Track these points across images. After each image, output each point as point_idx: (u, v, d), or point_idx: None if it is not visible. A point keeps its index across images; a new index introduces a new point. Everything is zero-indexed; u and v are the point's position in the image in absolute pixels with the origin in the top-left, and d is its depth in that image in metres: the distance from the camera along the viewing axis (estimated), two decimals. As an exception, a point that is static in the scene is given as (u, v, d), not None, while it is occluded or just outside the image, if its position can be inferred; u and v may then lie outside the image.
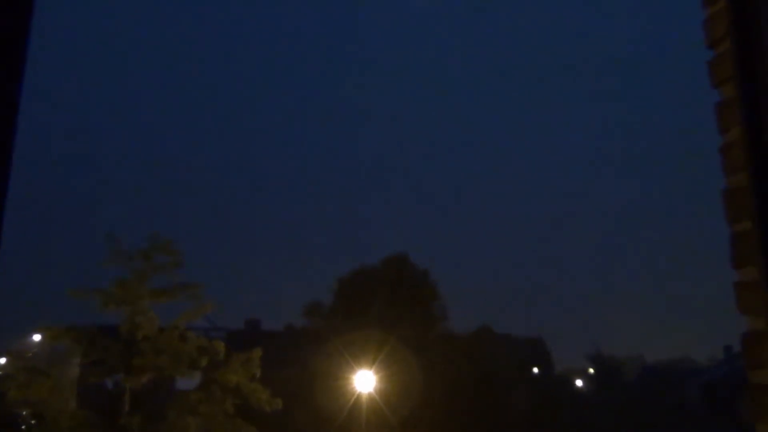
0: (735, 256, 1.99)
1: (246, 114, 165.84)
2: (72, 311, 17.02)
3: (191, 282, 17.13)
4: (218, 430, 16.14)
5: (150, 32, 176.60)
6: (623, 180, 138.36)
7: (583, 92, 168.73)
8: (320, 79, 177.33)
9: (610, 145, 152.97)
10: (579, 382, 57.40)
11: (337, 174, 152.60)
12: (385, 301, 32.34)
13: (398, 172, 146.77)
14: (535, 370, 49.27)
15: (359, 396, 25.80)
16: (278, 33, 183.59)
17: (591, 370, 57.36)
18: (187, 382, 18.08)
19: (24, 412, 27.01)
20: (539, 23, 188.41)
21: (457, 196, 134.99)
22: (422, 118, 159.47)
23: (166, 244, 16.75)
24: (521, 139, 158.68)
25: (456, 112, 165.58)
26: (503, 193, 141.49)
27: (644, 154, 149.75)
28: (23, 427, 22.49)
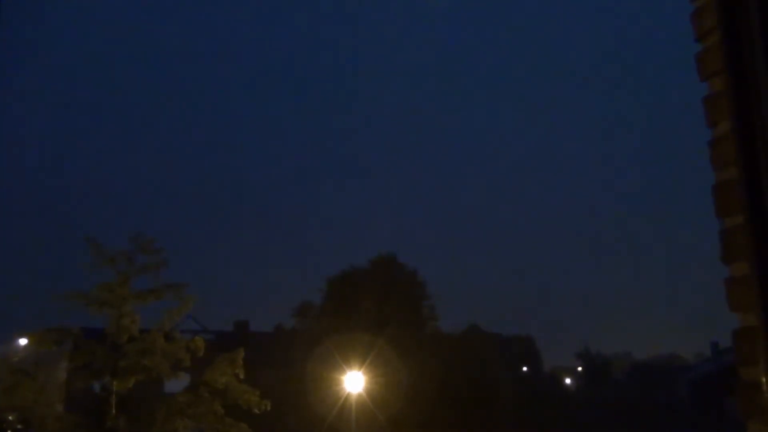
0: (725, 252, 1.95)
1: (235, 115, 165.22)
2: (59, 315, 16.81)
3: (176, 282, 16.97)
4: (209, 430, 16.04)
5: (139, 33, 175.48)
6: (614, 179, 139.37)
7: (579, 93, 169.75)
8: (315, 79, 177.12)
9: (604, 145, 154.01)
10: (568, 380, 57.75)
11: (327, 175, 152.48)
12: (374, 301, 32.27)
13: (389, 172, 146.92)
14: (525, 368, 49.43)
15: (349, 396, 25.73)
16: (276, 32, 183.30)
17: (580, 368, 57.68)
18: (175, 384, 17.93)
19: (10, 417, 26.64)
20: (538, 23, 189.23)
21: (447, 196, 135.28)
22: (415, 118, 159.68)
23: (149, 243, 16.57)
24: (512, 139, 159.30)
25: (450, 112, 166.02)
26: (493, 193, 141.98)
27: (635, 153, 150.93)
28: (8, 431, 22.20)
